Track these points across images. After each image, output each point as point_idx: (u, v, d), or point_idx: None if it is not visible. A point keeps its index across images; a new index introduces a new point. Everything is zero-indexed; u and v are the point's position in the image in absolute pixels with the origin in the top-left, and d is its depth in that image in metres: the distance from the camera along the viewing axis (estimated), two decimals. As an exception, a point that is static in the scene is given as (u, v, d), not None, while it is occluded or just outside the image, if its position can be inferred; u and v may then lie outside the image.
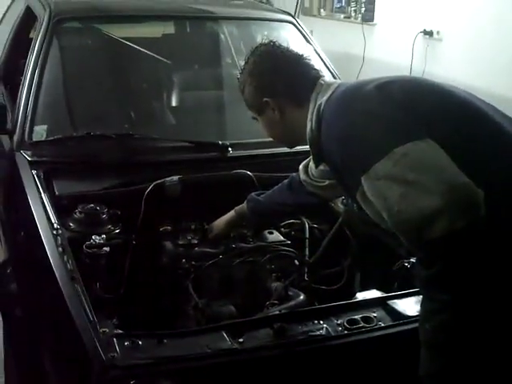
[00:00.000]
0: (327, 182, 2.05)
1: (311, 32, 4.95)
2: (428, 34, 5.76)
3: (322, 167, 1.95)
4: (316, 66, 2.00)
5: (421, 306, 1.68)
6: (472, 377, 1.58)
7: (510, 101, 4.64)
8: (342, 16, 7.15)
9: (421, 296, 1.71)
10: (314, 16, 7.45)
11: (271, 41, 2.03)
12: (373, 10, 6.62)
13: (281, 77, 1.92)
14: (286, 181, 2.25)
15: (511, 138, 1.63)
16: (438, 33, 5.69)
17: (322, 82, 1.90)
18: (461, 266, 1.53)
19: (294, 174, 2.21)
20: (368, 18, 6.65)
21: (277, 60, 1.95)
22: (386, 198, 1.55)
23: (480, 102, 1.73)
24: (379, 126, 1.63)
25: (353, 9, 6.95)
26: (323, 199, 2.23)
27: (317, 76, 1.93)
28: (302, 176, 2.13)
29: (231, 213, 2.33)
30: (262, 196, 2.29)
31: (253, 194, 2.31)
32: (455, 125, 1.64)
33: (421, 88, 1.79)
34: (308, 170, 2.11)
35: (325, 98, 1.81)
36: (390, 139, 1.57)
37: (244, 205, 2.30)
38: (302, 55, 1.99)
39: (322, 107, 1.79)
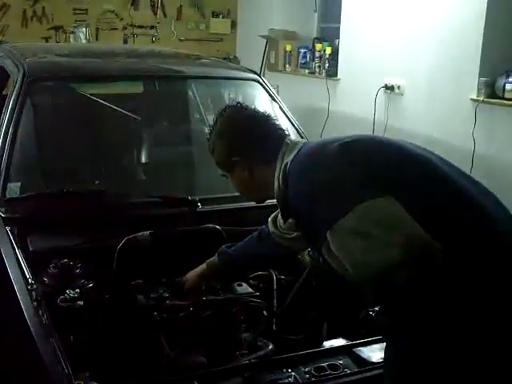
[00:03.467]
0: (295, 234, 2.10)
1: (277, 87, 5.09)
2: (389, 88, 5.93)
3: (290, 220, 2.03)
4: (282, 126, 2.11)
5: (384, 352, 1.76)
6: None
7: (465, 151, 4.84)
8: (307, 71, 7.30)
9: (384, 343, 1.78)
10: (280, 71, 7.61)
11: (238, 102, 2.13)
12: (336, 66, 6.79)
13: (249, 137, 2.02)
14: (255, 233, 2.30)
15: (466, 192, 1.74)
16: (398, 87, 5.86)
17: (288, 142, 2.00)
18: (420, 312, 1.61)
19: (264, 226, 2.27)
20: (331, 73, 6.82)
21: (244, 121, 2.05)
22: (350, 251, 1.64)
23: (435, 158, 1.84)
24: (342, 185, 1.73)
25: (317, 64, 7.10)
26: (292, 250, 2.29)
27: (283, 136, 2.04)
28: (271, 228, 2.19)
29: (203, 266, 2.36)
30: (232, 249, 2.33)
31: (223, 246, 2.35)
32: (413, 181, 1.74)
33: (380, 147, 1.89)
34: (277, 222, 2.17)
35: (291, 157, 1.91)
36: (352, 197, 1.67)
37: (215, 258, 2.33)
38: (269, 115, 2.10)
39: (288, 166, 1.89)
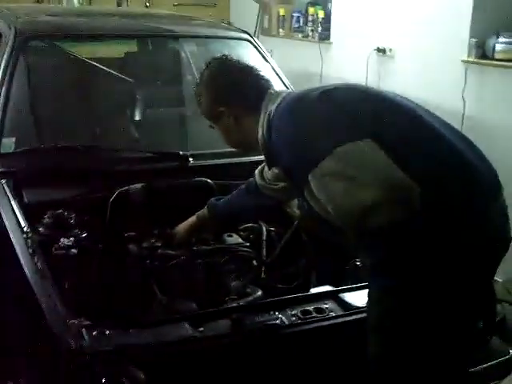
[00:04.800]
0: (281, 185, 2.14)
1: (271, 51, 5.11)
2: (381, 51, 5.93)
3: (275, 170, 2.08)
4: (266, 77, 2.16)
5: (368, 294, 1.83)
6: (416, 359, 1.74)
7: (455, 112, 4.87)
8: (300, 35, 7.29)
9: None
10: (274, 36, 7.58)
11: (224, 54, 2.18)
12: (329, 30, 6.79)
13: (234, 87, 2.08)
14: (243, 185, 2.35)
15: (446, 139, 1.80)
16: (390, 50, 5.86)
17: (272, 91, 2.06)
18: (401, 254, 1.69)
19: (251, 178, 2.31)
20: (324, 37, 6.81)
21: (230, 72, 2.11)
22: (330, 192, 1.72)
23: (419, 108, 1.90)
24: (323, 129, 1.80)
25: (310, 28, 7.09)
26: (278, 201, 2.33)
27: (267, 85, 2.10)
28: (258, 180, 2.23)
29: (193, 218, 2.41)
30: (221, 201, 2.38)
31: (213, 199, 2.40)
32: (394, 126, 1.80)
33: (362, 93, 1.96)
34: (263, 174, 2.21)
35: (274, 105, 1.97)
36: (332, 140, 1.74)
37: (204, 210, 2.39)
38: (253, 67, 2.15)
39: (271, 114, 1.95)
